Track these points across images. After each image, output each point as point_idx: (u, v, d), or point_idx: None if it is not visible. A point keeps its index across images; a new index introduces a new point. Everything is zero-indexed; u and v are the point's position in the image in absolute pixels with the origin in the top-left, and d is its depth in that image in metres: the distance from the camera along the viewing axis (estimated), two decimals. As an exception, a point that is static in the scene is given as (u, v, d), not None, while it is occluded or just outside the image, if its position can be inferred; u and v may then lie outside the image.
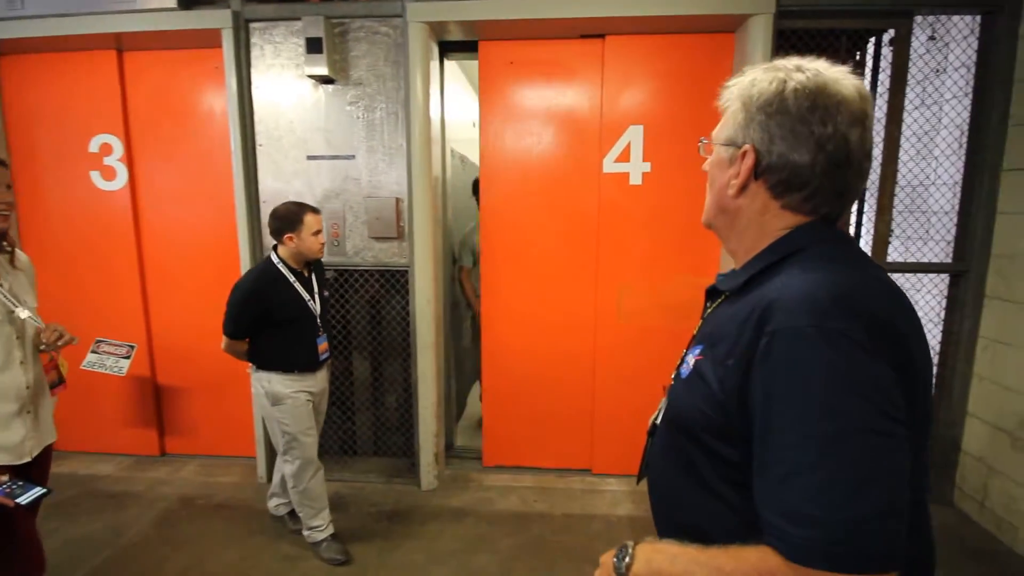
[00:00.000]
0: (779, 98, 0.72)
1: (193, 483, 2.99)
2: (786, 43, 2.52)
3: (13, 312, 1.51)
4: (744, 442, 0.68)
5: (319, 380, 2.36)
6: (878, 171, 2.64)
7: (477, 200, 3.05)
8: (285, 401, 2.23)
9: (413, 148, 2.65)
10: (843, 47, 2.62)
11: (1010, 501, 2.42)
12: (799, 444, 0.61)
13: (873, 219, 2.66)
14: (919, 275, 2.86)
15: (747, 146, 0.75)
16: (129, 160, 2.99)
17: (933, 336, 2.83)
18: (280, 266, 2.23)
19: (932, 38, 2.75)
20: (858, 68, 2.66)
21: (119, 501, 2.79)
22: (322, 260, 2.47)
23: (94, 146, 2.97)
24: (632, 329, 2.90)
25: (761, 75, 0.75)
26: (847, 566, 0.57)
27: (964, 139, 2.66)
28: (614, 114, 2.75)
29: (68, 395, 3.22)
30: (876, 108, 2.66)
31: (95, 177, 3.00)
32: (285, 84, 2.73)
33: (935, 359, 2.78)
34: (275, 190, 2.81)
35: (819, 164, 0.71)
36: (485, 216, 2.91)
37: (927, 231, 2.91)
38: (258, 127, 2.77)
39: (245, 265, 2.78)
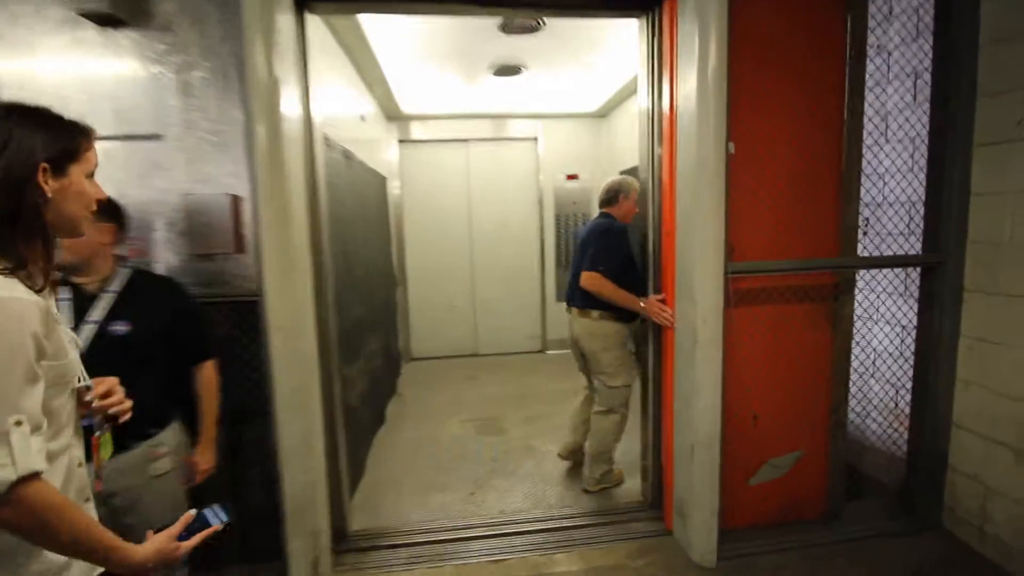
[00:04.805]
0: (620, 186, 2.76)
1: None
2: None
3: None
4: None
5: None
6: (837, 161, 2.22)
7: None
8: None
9: (256, 125, 1.83)
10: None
11: (1020, 525, 2.07)
12: None
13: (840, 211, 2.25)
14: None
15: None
16: None
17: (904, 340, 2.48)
18: None
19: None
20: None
21: None
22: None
23: None
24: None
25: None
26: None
27: (925, 118, 2.34)
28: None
29: None
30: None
31: None
32: (40, 25, 1.79)
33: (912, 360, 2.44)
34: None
35: None
36: None
37: (888, 224, 2.59)
38: (-3, 91, 1.80)
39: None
